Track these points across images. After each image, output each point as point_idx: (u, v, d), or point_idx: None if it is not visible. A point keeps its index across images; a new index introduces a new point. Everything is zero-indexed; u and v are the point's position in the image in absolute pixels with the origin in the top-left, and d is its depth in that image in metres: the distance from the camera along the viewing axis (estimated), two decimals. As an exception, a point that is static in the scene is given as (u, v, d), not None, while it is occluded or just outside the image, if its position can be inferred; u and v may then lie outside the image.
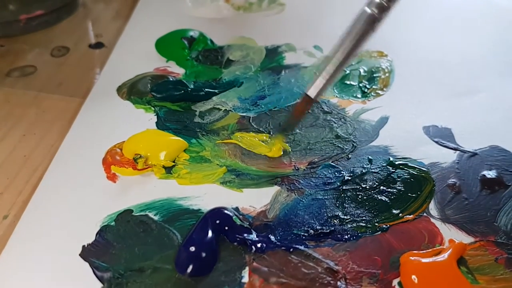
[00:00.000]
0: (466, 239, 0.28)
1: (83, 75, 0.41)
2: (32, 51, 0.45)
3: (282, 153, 0.33)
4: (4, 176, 0.32)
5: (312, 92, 0.31)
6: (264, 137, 0.34)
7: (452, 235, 0.28)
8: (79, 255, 0.27)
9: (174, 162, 0.32)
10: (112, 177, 0.31)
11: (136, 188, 0.31)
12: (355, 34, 0.30)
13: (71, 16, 0.49)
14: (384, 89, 0.39)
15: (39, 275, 0.26)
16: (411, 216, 0.29)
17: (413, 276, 0.25)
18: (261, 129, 0.35)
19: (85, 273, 0.26)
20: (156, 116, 0.36)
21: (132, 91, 0.38)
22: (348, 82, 0.39)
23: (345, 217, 0.29)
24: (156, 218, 0.29)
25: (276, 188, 0.31)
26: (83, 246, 0.27)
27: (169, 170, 0.32)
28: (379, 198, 0.30)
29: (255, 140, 0.34)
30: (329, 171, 0.32)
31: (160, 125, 0.35)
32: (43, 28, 0.47)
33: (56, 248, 0.27)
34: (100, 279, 0.26)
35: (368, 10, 0.29)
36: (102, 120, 0.36)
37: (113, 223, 0.29)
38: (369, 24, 0.29)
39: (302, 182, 0.31)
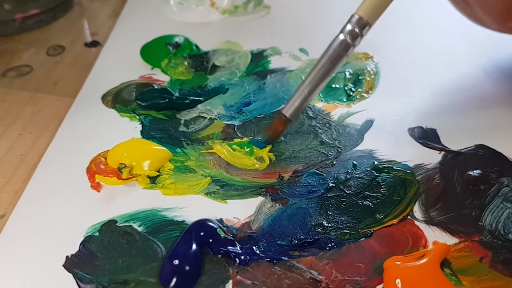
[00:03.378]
0: (451, 240, 0.28)
1: (79, 74, 0.41)
2: (28, 50, 0.45)
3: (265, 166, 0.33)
4: (1, 175, 0.33)
5: (288, 112, 0.33)
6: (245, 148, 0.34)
7: (436, 237, 0.28)
8: (63, 265, 0.27)
9: (158, 172, 0.32)
10: (96, 187, 0.31)
11: (120, 198, 0.31)
12: (329, 58, 0.33)
13: (67, 15, 0.49)
14: (369, 91, 0.39)
15: (22, 286, 0.26)
16: (395, 220, 0.29)
17: (397, 280, 0.26)
18: (245, 138, 0.35)
19: (68, 285, 0.26)
20: (141, 125, 0.36)
21: (117, 99, 0.38)
22: (333, 86, 0.39)
23: (329, 225, 0.29)
24: (140, 229, 0.29)
25: (260, 198, 0.31)
26: (67, 257, 0.27)
27: (153, 180, 0.32)
28: (363, 203, 0.30)
29: (238, 154, 0.34)
30: (313, 179, 0.32)
31: (145, 134, 0.35)
32: (39, 27, 0.47)
33: (40, 258, 0.27)
34: (84, 291, 0.26)
35: (342, 37, 0.33)
36: (87, 128, 0.36)
37: (97, 234, 0.28)
38: (342, 49, 0.33)
39: (286, 191, 0.31)
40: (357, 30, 0.33)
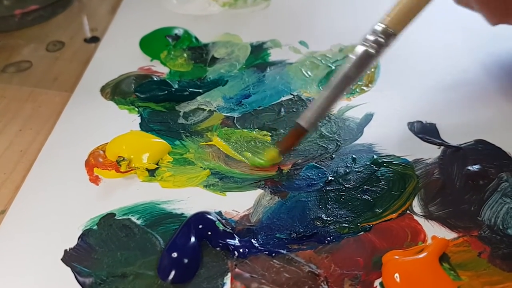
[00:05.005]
0: (449, 235, 0.28)
1: (79, 70, 0.41)
2: (28, 46, 0.45)
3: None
4: (1, 171, 0.33)
5: (306, 123, 0.31)
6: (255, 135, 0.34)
7: (435, 231, 0.28)
8: (61, 259, 0.27)
9: (157, 164, 0.32)
10: (95, 180, 0.31)
11: (119, 191, 0.31)
12: (350, 69, 0.31)
13: (66, 10, 0.49)
14: (369, 85, 0.39)
15: (21, 280, 0.26)
16: (394, 214, 0.29)
17: (396, 275, 0.26)
18: (245, 130, 0.35)
19: (67, 278, 0.26)
20: (140, 117, 0.36)
21: (116, 91, 0.38)
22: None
23: (328, 218, 0.29)
24: (138, 222, 0.29)
25: (259, 191, 0.31)
26: (65, 250, 0.27)
27: (152, 173, 0.32)
28: (362, 197, 0.30)
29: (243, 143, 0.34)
30: (313, 172, 0.32)
31: (144, 126, 0.35)
32: (38, 22, 0.47)
33: (38, 252, 0.27)
34: (82, 284, 0.26)
35: (364, 47, 0.31)
36: (85, 121, 0.36)
37: (95, 227, 0.29)
38: (364, 59, 0.31)
39: (285, 184, 0.31)
40: (380, 38, 0.31)
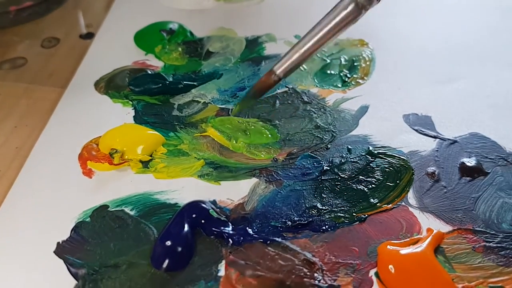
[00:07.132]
0: (444, 227, 0.28)
1: (74, 66, 0.41)
2: (23, 43, 0.44)
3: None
4: None
5: (279, 69, 0.31)
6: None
7: (430, 224, 0.28)
8: (54, 252, 0.27)
9: (151, 156, 0.32)
10: (88, 173, 0.31)
11: (112, 183, 0.30)
12: (335, 17, 0.30)
13: (61, 7, 0.49)
14: (365, 77, 0.39)
15: (13, 273, 0.26)
16: (390, 205, 0.29)
17: (390, 266, 0.25)
18: (239, 121, 0.35)
19: (59, 270, 0.26)
20: (134, 110, 0.36)
21: (110, 85, 0.38)
22: (328, 72, 0.39)
23: (323, 207, 0.29)
24: (132, 213, 0.29)
25: (254, 180, 0.30)
26: (58, 243, 0.27)
27: (146, 165, 0.31)
28: (358, 187, 0.30)
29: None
30: (308, 162, 0.32)
31: (138, 119, 0.35)
32: (33, 19, 0.47)
33: (31, 245, 0.27)
34: (75, 276, 0.26)
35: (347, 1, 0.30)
36: (79, 115, 0.35)
37: (88, 219, 0.28)
38: (347, 13, 0.30)
39: (280, 173, 0.31)
40: None
